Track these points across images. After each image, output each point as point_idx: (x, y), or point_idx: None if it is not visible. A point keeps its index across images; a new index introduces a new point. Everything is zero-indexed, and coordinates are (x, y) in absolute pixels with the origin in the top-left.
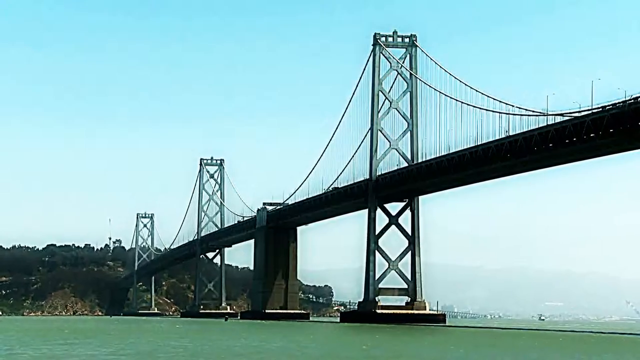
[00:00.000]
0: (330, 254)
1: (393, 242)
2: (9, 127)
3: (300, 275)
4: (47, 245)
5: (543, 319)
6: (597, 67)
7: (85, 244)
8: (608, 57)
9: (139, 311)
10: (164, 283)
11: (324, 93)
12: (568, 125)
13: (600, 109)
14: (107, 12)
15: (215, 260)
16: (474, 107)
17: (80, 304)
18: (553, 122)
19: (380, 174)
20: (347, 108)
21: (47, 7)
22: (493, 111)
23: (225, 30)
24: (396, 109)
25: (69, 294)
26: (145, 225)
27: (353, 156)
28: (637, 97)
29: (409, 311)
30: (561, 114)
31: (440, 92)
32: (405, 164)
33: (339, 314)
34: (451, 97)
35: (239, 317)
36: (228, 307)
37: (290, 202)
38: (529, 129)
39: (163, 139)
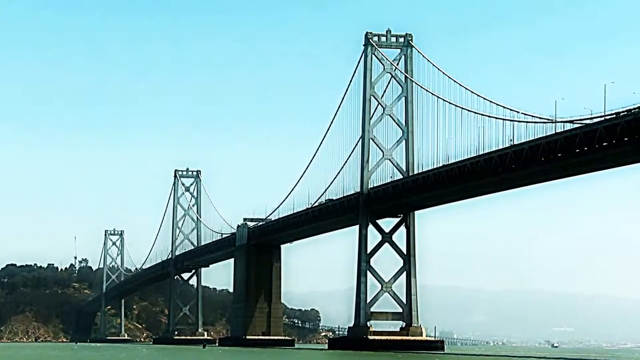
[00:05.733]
0: (317, 275)
1: (386, 262)
2: None
3: (285, 298)
4: (7, 265)
5: (556, 346)
6: (610, 70)
7: (49, 264)
8: (622, 59)
9: (108, 337)
10: (134, 307)
11: (310, 98)
12: (578, 133)
13: (614, 116)
14: (74, 12)
15: (191, 282)
16: (475, 113)
17: (42, 330)
18: (562, 129)
19: (372, 186)
20: (336, 114)
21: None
22: (496, 118)
23: (201, 31)
24: (390, 115)
25: (30, 319)
26: (114, 243)
27: (342, 167)
28: None
29: (404, 337)
30: (571, 121)
31: (438, 97)
32: (400, 176)
33: (327, 341)
34: (450, 103)
35: (217, 344)
36: (205, 333)
37: (273, 217)
38: (536, 137)
39: (133, 148)
